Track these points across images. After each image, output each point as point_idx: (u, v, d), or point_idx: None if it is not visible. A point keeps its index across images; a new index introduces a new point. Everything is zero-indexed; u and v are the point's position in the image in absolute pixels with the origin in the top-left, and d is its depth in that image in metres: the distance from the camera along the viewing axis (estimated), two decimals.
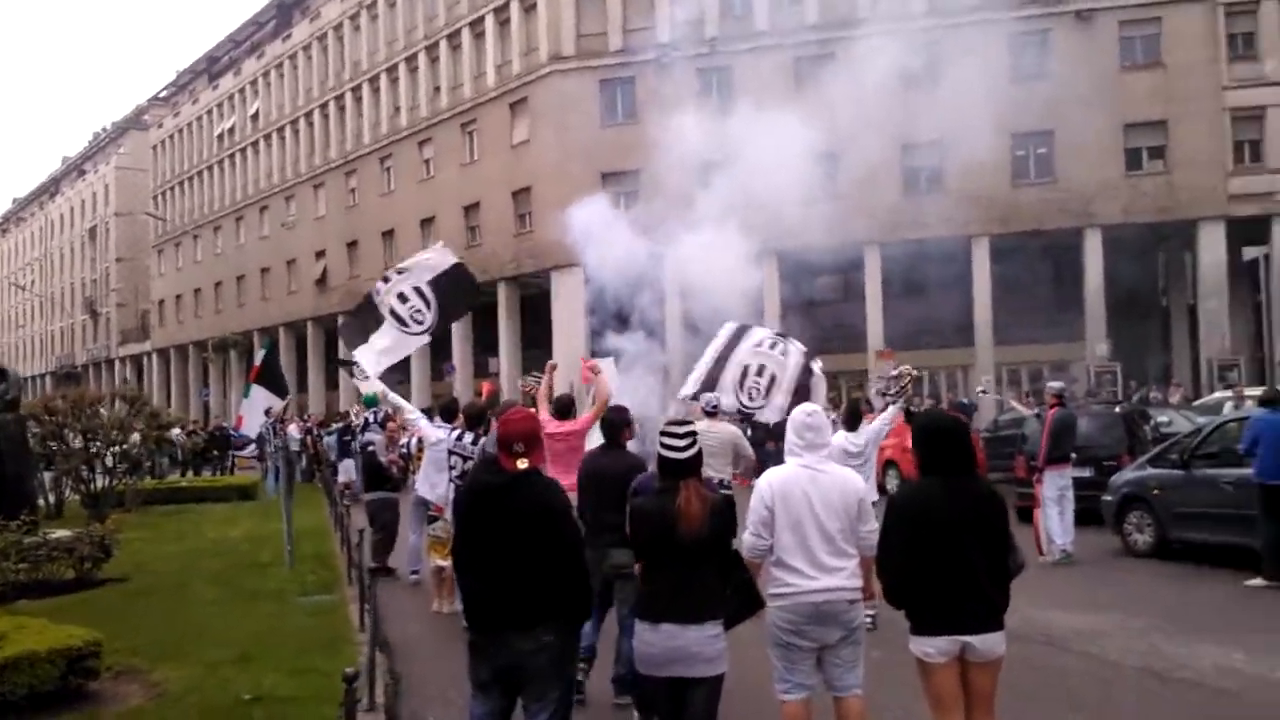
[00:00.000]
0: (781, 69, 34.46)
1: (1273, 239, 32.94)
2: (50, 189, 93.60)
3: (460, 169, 43.13)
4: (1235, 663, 7.26)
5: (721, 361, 9.98)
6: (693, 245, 25.14)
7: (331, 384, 51.00)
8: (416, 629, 9.39)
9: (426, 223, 44.87)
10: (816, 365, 10.01)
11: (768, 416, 9.85)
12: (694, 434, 4.78)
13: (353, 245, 49.69)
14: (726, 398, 9.83)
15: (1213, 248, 32.89)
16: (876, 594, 4.99)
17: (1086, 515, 12.54)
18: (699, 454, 4.76)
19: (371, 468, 12.77)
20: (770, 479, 5.00)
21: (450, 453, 9.40)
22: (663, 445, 4.71)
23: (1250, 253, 37.79)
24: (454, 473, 9.19)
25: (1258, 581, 9.87)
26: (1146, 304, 39.50)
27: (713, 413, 9.50)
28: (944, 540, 4.26)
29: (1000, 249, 34.41)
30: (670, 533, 4.48)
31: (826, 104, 27.76)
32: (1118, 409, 15.83)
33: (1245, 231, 33.65)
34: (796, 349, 10.00)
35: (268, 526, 15.67)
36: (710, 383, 9.91)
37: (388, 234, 47.30)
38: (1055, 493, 11.76)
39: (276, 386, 15.92)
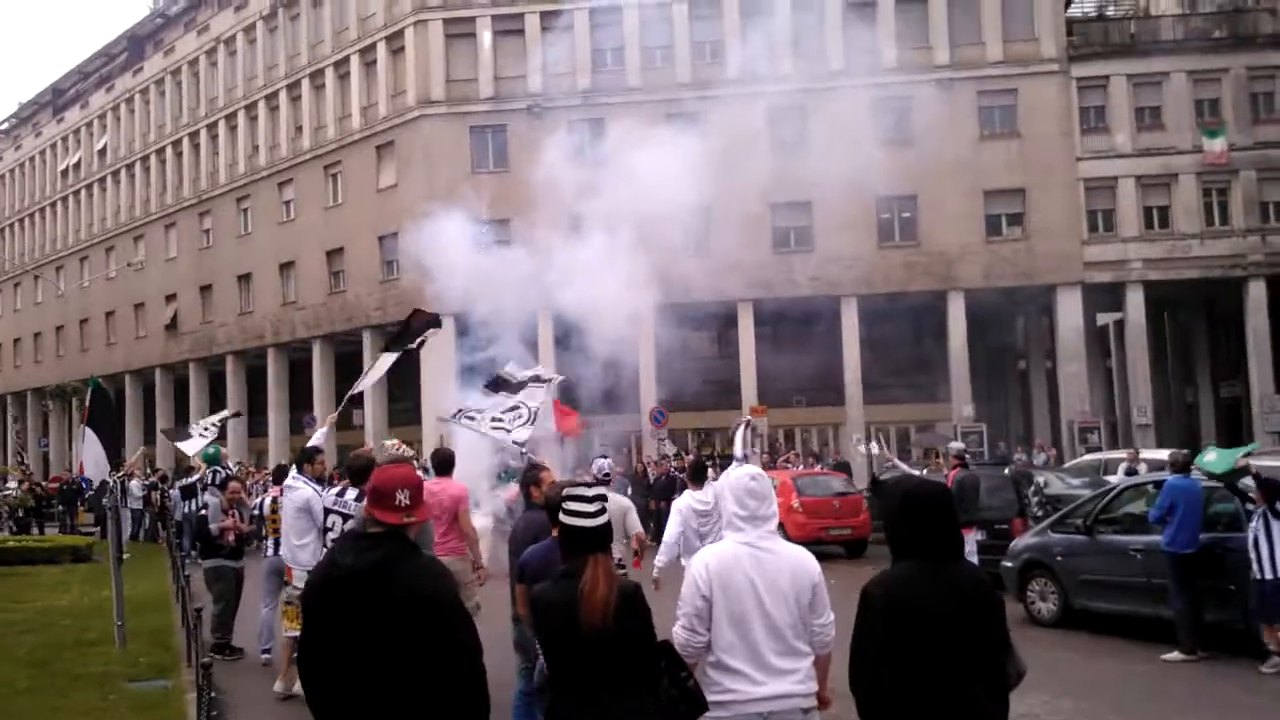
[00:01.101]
0: (654, 124, 34.21)
1: (1126, 305, 34.10)
2: None
3: (323, 212, 41.46)
4: None
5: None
6: (574, 268, 24.49)
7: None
8: None
9: (286, 266, 42.96)
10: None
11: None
12: (604, 499, 3.88)
13: (206, 289, 47.21)
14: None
15: (1070, 313, 33.86)
16: (831, 701, 4.14)
17: None
18: (609, 525, 3.86)
19: (203, 534, 11.40)
20: (707, 561, 4.07)
21: (328, 511, 8.19)
22: (567, 513, 3.79)
23: (1103, 319, 39.30)
24: (331, 534, 7.98)
25: (1175, 655, 9.48)
26: (1006, 366, 40.58)
27: (604, 480, 8.61)
28: (932, 644, 3.38)
29: (867, 310, 34.73)
30: (573, 625, 3.57)
31: (697, 161, 27.79)
32: (1006, 470, 15.54)
33: (1100, 297, 34.79)
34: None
35: (100, 594, 13.92)
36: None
37: (244, 278, 45.09)
38: None
39: (107, 433, 14.87)
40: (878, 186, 33.49)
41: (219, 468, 12.63)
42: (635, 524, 8.56)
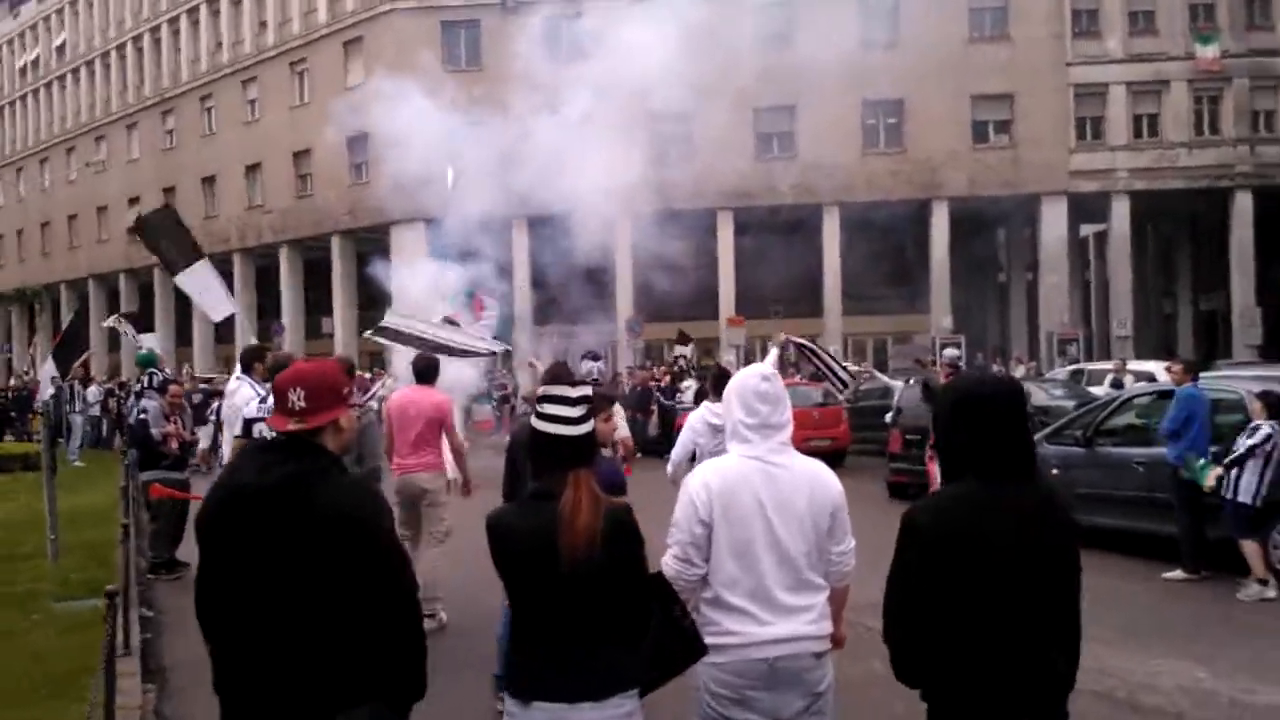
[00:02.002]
0: (632, 21, 32.87)
1: (1111, 216, 33.57)
2: None
3: (289, 111, 40.04)
4: (1202, 683, 6.26)
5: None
6: (550, 169, 23.71)
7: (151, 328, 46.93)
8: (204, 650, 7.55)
9: (252, 169, 41.70)
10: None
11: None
12: (589, 400, 3.16)
13: (169, 191, 45.66)
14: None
15: (1054, 223, 33.33)
16: (845, 640, 3.59)
17: None
18: (594, 433, 3.16)
19: (140, 441, 10.56)
20: (707, 477, 3.42)
21: (250, 422, 7.45)
22: (542, 417, 3.07)
23: (1085, 230, 38.82)
24: None
25: (1177, 574, 9.11)
26: (986, 278, 40.15)
27: (594, 384, 8.00)
28: (993, 586, 2.68)
29: (849, 218, 34.07)
30: (549, 558, 2.88)
31: (677, 62, 26.71)
32: None
33: (1084, 207, 34.22)
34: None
35: (44, 505, 13.28)
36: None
37: (208, 180, 43.77)
38: None
39: (70, 354, 14.42)
40: (864, 90, 32.75)
41: (154, 370, 11.72)
42: (623, 429, 8.00)
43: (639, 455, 21.27)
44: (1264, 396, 8.44)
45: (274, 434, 2.88)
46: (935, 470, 10.68)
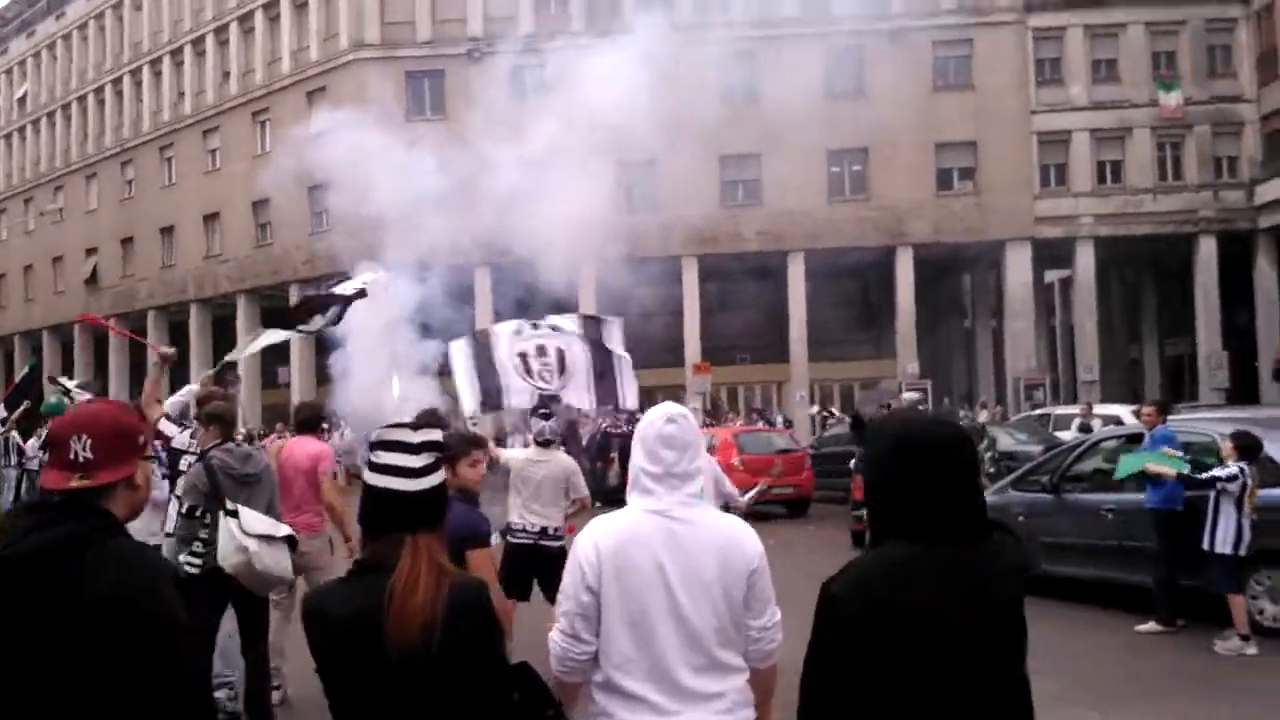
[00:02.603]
0: (598, 70, 32.81)
1: (1076, 262, 33.56)
2: None
3: (251, 161, 39.56)
4: None
5: (486, 368, 8.15)
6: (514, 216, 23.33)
7: (104, 391, 45.92)
8: None
9: (210, 218, 41.14)
10: (616, 342, 8.26)
11: (574, 399, 8.13)
12: (437, 445, 2.54)
13: (128, 242, 45.17)
14: (519, 396, 8.00)
15: (1019, 269, 33.26)
16: None
17: None
18: (442, 485, 2.54)
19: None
20: (597, 536, 2.85)
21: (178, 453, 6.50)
22: (375, 468, 2.47)
23: (1050, 275, 38.86)
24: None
25: (1151, 626, 8.64)
26: (952, 324, 40.07)
27: (546, 444, 7.49)
28: (932, 670, 2.13)
29: (815, 265, 33.93)
30: (375, 647, 2.28)
31: (644, 110, 26.55)
32: (963, 424, 14.70)
33: (1048, 254, 34.21)
34: (569, 320, 8.33)
35: None
36: (494, 392, 8.05)
37: (167, 230, 43.15)
38: None
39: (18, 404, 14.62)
40: (828, 139, 32.80)
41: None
42: (581, 487, 7.55)
43: (598, 505, 20.88)
44: (1235, 437, 8.06)
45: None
46: None
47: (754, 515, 18.23)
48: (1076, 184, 33.20)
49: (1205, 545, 7.97)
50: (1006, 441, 18.64)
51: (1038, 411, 25.10)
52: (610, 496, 20.83)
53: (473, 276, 33.58)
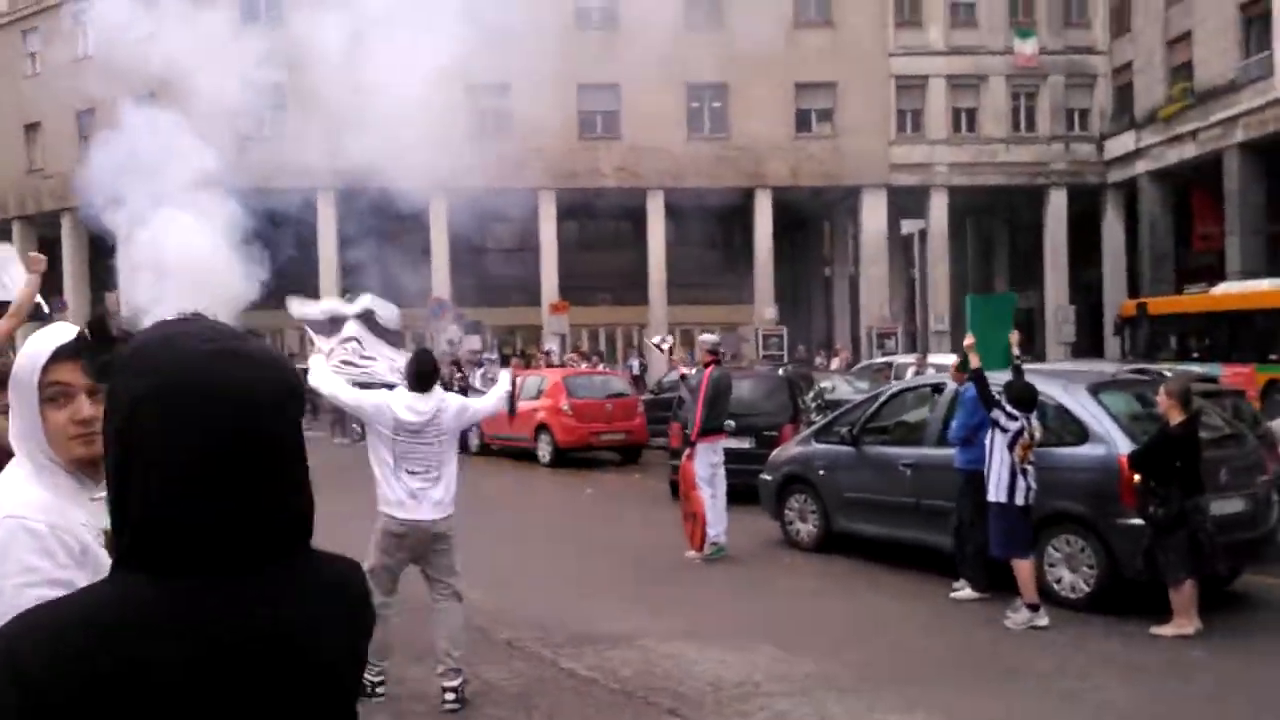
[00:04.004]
0: None
1: (930, 211, 33.49)
2: None
3: (74, 65, 36.47)
4: None
5: None
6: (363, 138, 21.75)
7: None
8: None
9: (31, 128, 37.99)
10: None
11: None
12: None
13: None
14: None
15: (875, 216, 32.98)
16: None
17: (748, 495, 10.52)
18: None
19: None
20: None
21: None
22: None
23: (907, 226, 38.90)
24: None
25: (966, 593, 7.94)
26: (813, 271, 39.87)
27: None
28: None
29: (675, 205, 33.08)
30: None
31: (497, 32, 25.29)
32: (781, 371, 14.04)
33: (905, 201, 34.06)
34: None
35: None
36: None
37: None
38: (707, 471, 9.53)
39: None
40: (688, 73, 31.80)
41: None
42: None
43: None
44: (1009, 388, 7.43)
45: None
46: (692, 469, 9.49)
47: (584, 461, 17.55)
48: (932, 131, 32.96)
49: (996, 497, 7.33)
50: (845, 390, 18.19)
51: (878, 360, 24.87)
52: None
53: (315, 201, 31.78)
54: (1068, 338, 32.04)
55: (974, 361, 7.63)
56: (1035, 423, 7.38)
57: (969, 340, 7.76)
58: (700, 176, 32.66)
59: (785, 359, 29.97)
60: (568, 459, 17.07)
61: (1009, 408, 7.29)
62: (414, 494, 5.50)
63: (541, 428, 17.16)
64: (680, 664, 6.28)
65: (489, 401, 6.29)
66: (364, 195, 27.00)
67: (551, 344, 30.31)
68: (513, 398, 7.89)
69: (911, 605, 7.85)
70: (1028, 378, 7.73)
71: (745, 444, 12.36)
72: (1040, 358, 27.07)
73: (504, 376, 6.51)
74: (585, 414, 16.98)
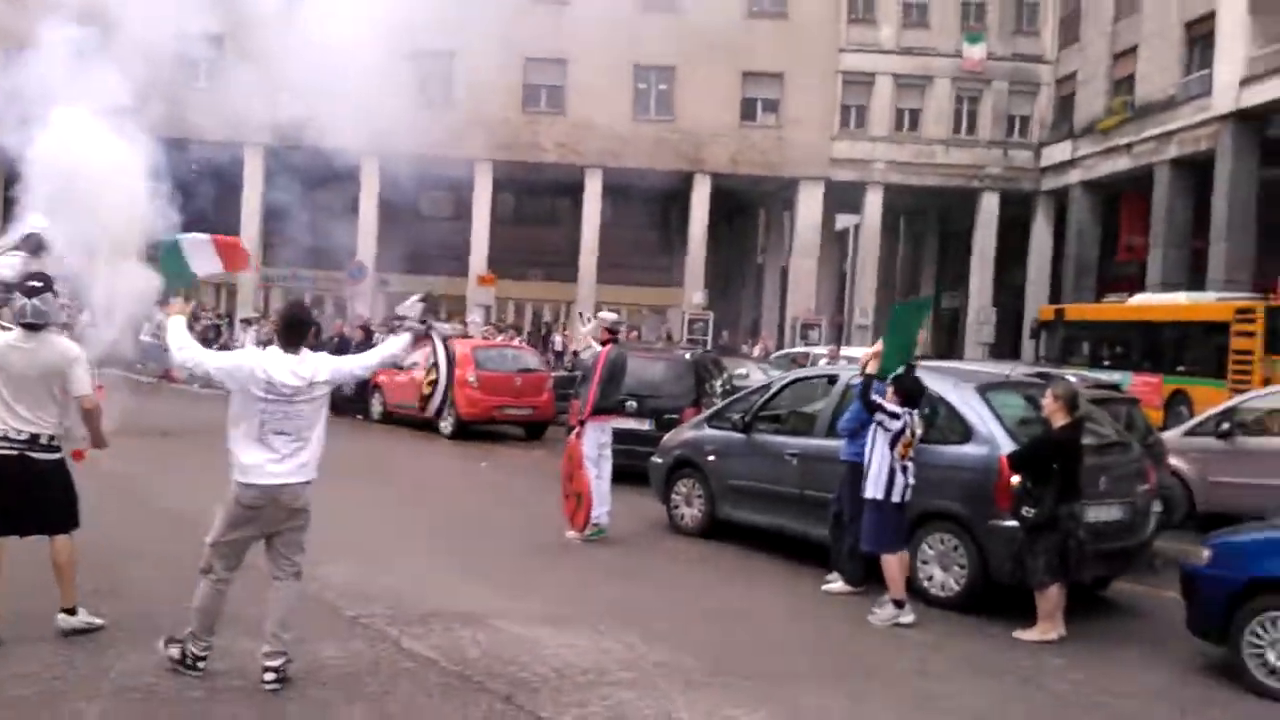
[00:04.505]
0: None
1: (865, 206, 33.55)
2: None
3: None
4: None
5: None
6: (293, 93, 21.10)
7: None
8: None
9: None
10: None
11: None
12: None
13: None
14: None
15: (811, 208, 32.97)
16: None
17: (642, 477, 10.31)
18: None
19: None
20: None
21: None
22: None
23: (843, 220, 38.99)
24: None
25: (838, 586, 7.78)
26: (746, 259, 39.83)
27: (35, 326, 5.79)
28: None
29: (613, 184, 32.80)
30: None
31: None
32: (688, 355, 13.82)
33: (843, 196, 34.07)
34: None
35: None
36: None
37: None
38: (595, 450, 9.26)
39: None
40: (637, 53, 31.56)
41: None
42: (80, 380, 5.86)
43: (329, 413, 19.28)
44: (897, 381, 7.28)
45: None
46: (580, 448, 9.24)
47: (489, 435, 17.18)
48: (875, 128, 32.99)
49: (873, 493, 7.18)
50: (758, 378, 18.04)
51: (796, 349, 24.84)
52: (341, 406, 19.25)
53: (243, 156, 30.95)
54: (986, 338, 32.38)
55: (871, 368, 7.48)
56: (917, 419, 7.24)
57: (876, 347, 7.62)
58: (641, 157, 32.42)
59: (708, 344, 29.90)
60: (471, 432, 16.71)
61: (890, 405, 7.13)
62: (281, 459, 5.09)
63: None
64: (531, 648, 6.01)
65: (369, 360, 5.79)
66: (294, 153, 26.41)
67: (475, 315, 29.86)
68: (430, 397, 7.55)
69: (783, 597, 7.67)
70: (920, 374, 7.59)
71: (644, 425, 12.14)
72: (959, 357, 27.24)
73: (394, 340, 6.04)
74: (491, 387, 16.62)
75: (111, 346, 7.87)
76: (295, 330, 5.35)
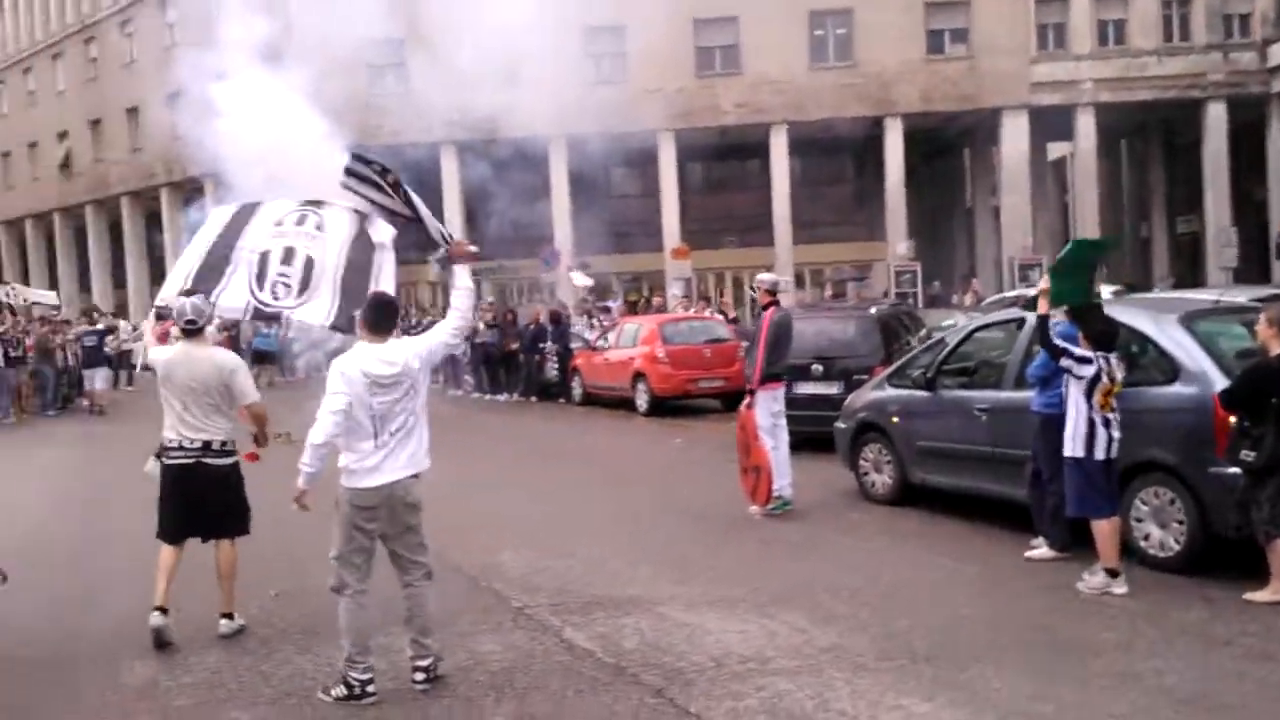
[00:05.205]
0: None
1: (1076, 131, 31.29)
2: None
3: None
4: None
5: (221, 253, 6.58)
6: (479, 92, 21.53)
7: (85, 285, 44.90)
8: None
9: (176, 97, 39.21)
10: (382, 231, 6.61)
11: (310, 317, 6.56)
12: None
13: (96, 124, 43.45)
14: (232, 299, 6.44)
15: (1016, 140, 31.11)
16: None
17: (831, 444, 9.84)
18: None
19: None
20: None
21: None
22: None
23: (1056, 150, 36.56)
24: None
25: (1042, 551, 7.06)
26: (954, 201, 38.01)
27: (194, 329, 6.01)
28: None
29: (799, 139, 31.95)
30: None
31: None
32: (874, 310, 13.12)
33: (1049, 123, 31.91)
34: (342, 217, 6.62)
35: None
36: (207, 278, 6.49)
37: (132, 111, 41.30)
38: (769, 420, 8.85)
39: None
40: (811, 1, 30.61)
41: None
42: (246, 387, 6.07)
43: (534, 400, 19.63)
44: (1082, 323, 6.48)
45: None
46: (754, 419, 8.85)
47: (685, 409, 16.99)
48: (1076, 45, 30.69)
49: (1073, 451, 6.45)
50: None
51: (1012, 294, 23.37)
52: (547, 391, 19.57)
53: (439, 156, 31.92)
54: (1229, 262, 29.54)
55: (1042, 306, 6.71)
56: (1116, 364, 6.43)
57: (1044, 284, 6.85)
58: (825, 107, 31.49)
59: (918, 297, 28.74)
60: (667, 407, 16.58)
61: (1078, 349, 6.37)
62: (387, 454, 4.93)
63: (638, 376, 16.69)
64: (693, 635, 5.72)
65: (448, 325, 5.32)
66: (487, 146, 27.08)
67: (675, 289, 29.74)
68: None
69: (976, 567, 7.02)
70: (1111, 311, 6.78)
71: (832, 389, 11.60)
72: (1201, 286, 24.98)
73: (455, 295, 5.46)
74: (682, 361, 16.41)
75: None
76: (380, 318, 5.18)
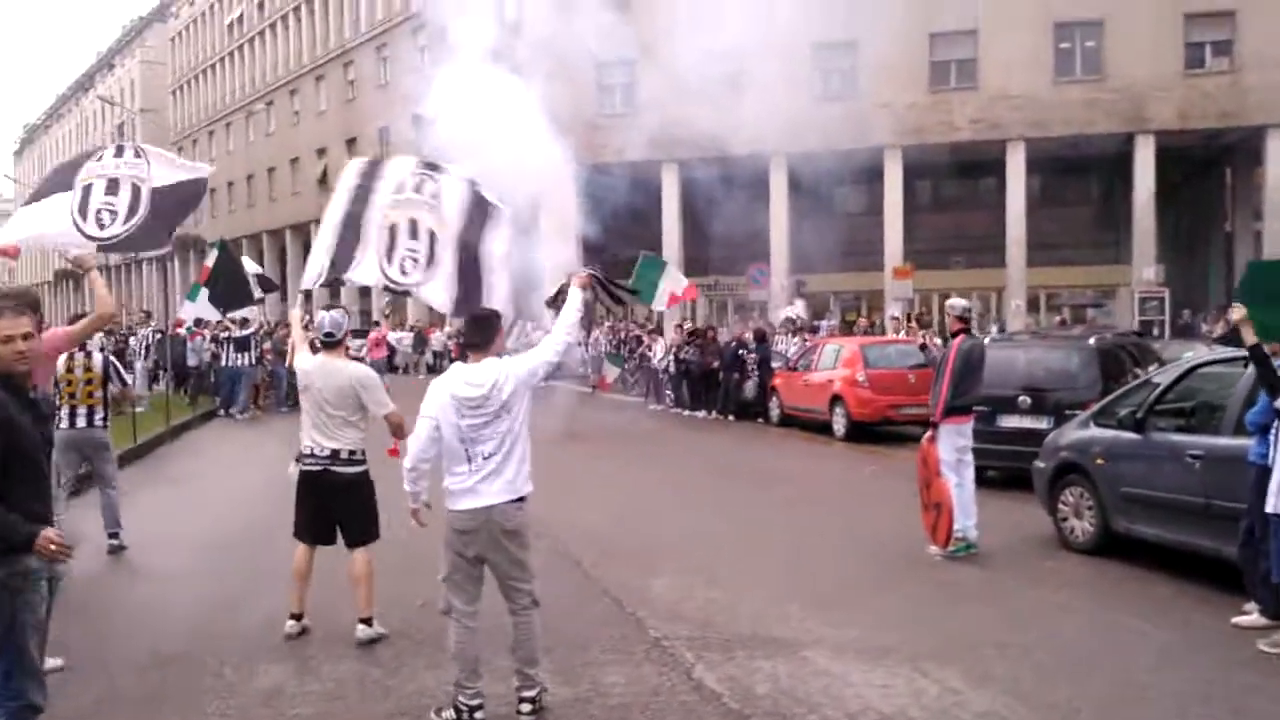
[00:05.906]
0: None
1: None
2: (85, 84, 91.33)
3: None
4: None
5: (353, 225, 6.67)
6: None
7: (334, 293, 48.10)
8: None
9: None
10: (494, 197, 6.58)
11: (433, 297, 6.62)
12: None
13: (352, 143, 46.48)
14: (365, 274, 6.57)
15: None
16: None
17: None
18: None
19: None
20: None
21: None
22: None
23: None
24: None
25: (1254, 619, 6.15)
26: (1211, 225, 35.00)
27: (333, 342, 6.09)
28: None
29: (1038, 157, 30.23)
30: None
31: None
32: (1093, 340, 12.00)
33: None
34: (455, 187, 6.64)
35: None
36: (345, 262, 6.61)
37: (384, 130, 43.95)
38: (952, 455, 8.18)
39: (231, 296, 15.21)
40: (1056, 10, 28.99)
41: None
42: (379, 397, 6.10)
43: (731, 418, 19.25)
44: None
45: None
46: (936, 453, 8.22)
47: (886, 436, 16.22)
48: None
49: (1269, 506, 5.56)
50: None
51: None
52: (746, 409, 19.15)
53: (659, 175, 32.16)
54: None
55: (1248, 338, 5.84)
56: None
57: (1239, 313, 5.97)
58: (1069, 124, 29.68)
59: (1165, 325, 26.62)
60: (866, 433, 15.85)
61: None
62: (484, 478, 4.75)
63: (836, 399, 16.04)
64: (830, 685, 5.26)
65: (551, 343, 5.06)
66: (708, 164, 27.11)
67: (894, 310, 28.73)
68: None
69: (1173, 633, 6.16)
70: None
71: (1041, 424, 10.68)
72: None
73: (575, 297, 5.26)
74: (883, 385, 15.65)
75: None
76: (475, 337, 4.97)
